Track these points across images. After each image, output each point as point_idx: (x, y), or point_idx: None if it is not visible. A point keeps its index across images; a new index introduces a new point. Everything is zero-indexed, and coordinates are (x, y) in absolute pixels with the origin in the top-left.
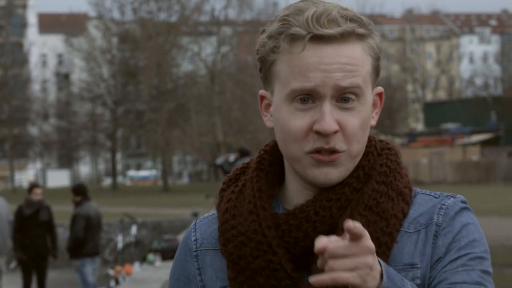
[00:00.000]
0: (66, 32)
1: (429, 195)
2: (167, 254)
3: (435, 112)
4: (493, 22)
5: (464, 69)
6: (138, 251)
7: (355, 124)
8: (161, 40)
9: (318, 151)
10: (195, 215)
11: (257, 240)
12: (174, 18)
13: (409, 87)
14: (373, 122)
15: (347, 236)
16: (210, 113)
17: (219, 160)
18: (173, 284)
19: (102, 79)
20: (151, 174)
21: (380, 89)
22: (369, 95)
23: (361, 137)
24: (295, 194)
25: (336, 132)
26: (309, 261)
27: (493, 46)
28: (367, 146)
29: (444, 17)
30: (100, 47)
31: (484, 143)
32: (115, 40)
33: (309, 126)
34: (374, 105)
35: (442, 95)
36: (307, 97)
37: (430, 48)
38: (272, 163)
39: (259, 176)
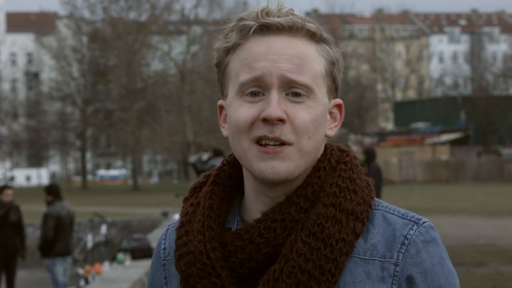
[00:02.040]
0: (36, 31)
1: (392, 213)
2: (136, 253)
3: (405, 111)
4: (463, 22)
5: (434, 68)
6: (107, 251)
7: (305, 117)
8: (131, 39)
9: (261, 139)
10: (165, 214)
11: (202, 262)
12: (144, 17)
13: (379, 86)
14: (331, 132)
15: None
16: (180, 113)
17: (192, 159)
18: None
19: (72, 78)
20: (121, 174)
21: (339, 101)
22: (323, 97)
23: (312, 133)
24: (253, 202)
25: (283, 121)
26: (255, 281)
27: (462, 46)
28: (320, 161)
29: (413, 17)
30: (70, 46)
31: (453, 143)
32: (85, 39)
33: (257, 115)
34: (334, 117)
35: (411, 94)
36: (257, 91)
37: (400, 47)
38: (231, 175)
39: (213, 191)
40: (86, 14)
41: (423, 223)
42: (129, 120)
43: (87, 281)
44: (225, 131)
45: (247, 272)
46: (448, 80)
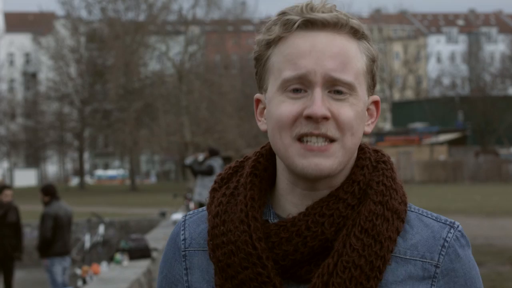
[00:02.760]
0: (34, 31)
1: (426, 216)
2: (134, 253)
3: (403, 111)
4: (461, 22)
5: (432, 68)
6: (105, 251)
7: (349, 114)
8: (129, 40)
9: (306, 136)
10: (163, 214)
11: (247, 252)
12: (142, 17)
13: (377, 86)
14: (368, 129)
15: None
16: (177, 113)
17: (188, 161)
18: (161, 280)
19: (70, 78)
20: (118, 174)
21: (376, 97)
22: (363, 94)
23: (356, 129)
24: (287, 195)
25: (327, 119)
26: (297, 273)
27: (460, 46)
28: (362, 158)
29: (411, 17)
30: (68, 46)
31: (451, 143)
32: (83, 39)
33: (300, 112)
34: (370, 114)
35: (409, 94)
36: (300, 88)
37: (398, 48)
38: (266, 168)
39: (253, 182)
40: (84, 14)
41: (457, 226)
42: (127, 120)
43: (85, 281)
44: (262, 125)
45: (290, 264)
46: (446, 80)
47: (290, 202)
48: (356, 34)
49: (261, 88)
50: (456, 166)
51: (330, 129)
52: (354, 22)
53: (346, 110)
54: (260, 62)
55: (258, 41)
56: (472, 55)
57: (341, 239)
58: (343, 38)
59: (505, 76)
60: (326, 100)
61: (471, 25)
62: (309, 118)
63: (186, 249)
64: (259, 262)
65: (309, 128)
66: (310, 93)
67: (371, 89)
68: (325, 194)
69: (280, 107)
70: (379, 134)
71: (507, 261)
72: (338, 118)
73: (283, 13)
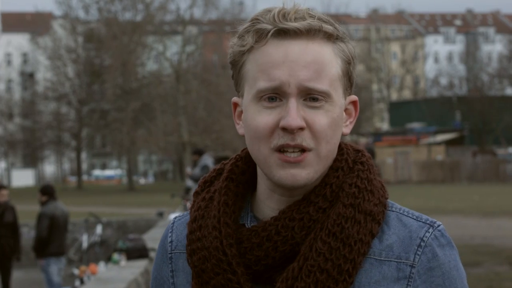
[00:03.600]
0: (31, 31)
1: (406, 215)
2: (132, 253)
3: (400, 111)
4: (458, 22)
5: (429, 68)
6: (103, 251)
7: (323, 122)
8: (126, 39)
9: (283, 148)
10: (160, 214)
11: (218, 258)
12: (139, 17)
13: (374, 86)
14: (346, 130)
15: None
16: (175, 113)
17: (189, 183)
18: (152, 281)
19: (67, 78)
20: (116, 174)
21: (354, 97)
22: (339, 98)
23: (330, 137)
24: (265, 200)
25: (302, 129)
26: (270, 277)
27: (458, 46)
28: (338, 160)
29: (409, 17)
30: (65, 46)
31: (448, 143)
32: (80, 39)
33: (276, 123)
34: (349, 114)
35: (407, 94)
36: (274, 96)
37: (395, 47)
38: (245, 171)
39: (228, 187)
40: (81, 14)
41: (438, 226)
42: (124, 120)
43: (82, 281)
44: (240, 129)
45: (262, 269)
46: (443, 80)
47: (268, 206)
48: (330, 38)
49: (238, 92)
50: (453, 166)
51: (305, 139)
52: (328, 27)
53: (321, 118)
54: (236, 68)
55: (232, 48)
56: (470, 55)
57: (308, 243)
58: (317, 45)
59: (503, 76)
60: (301, 109)
61: (468, 25)
62: (285, 129)
63: (172, 252)
64: (229, 268)
65: (286, 139)
66: (285, 102)
67: (348, 90)
68: (299, 198)
69: (256, 118)
70: (376, 134)
71: (505, 261)
72: (312, 127)
73: (255, 20)
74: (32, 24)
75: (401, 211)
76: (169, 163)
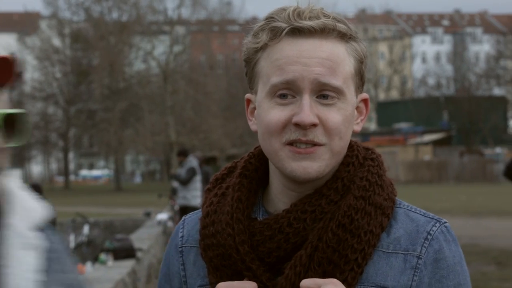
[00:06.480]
0: (19, 31)
1: (414, 212)
2: (119, 253)
3: (388, 111)
4: (446, 22)
5: (417, 69)
6: (90, 251)
7: (337, 119)
8: (113, 40)
9: (295, 142)
10: (148, 214)
11: (233, 256)
12: (126, 17)
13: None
14: (357, 127)
15: None
16: (162, 113)
17: (175, 183)
18: (161, 278)
19: (55, 78)
20: (103, 174)
21: (365, 95)
22: (351, 96)
23: (343, 133)
24: (278, 194)
25: (315, 125)
26: (282, 268)
27: (445, 46)
28: (348, 156)
29: (396, 17)
30: (52, 47)
31: (436, 143)
32: (67, 39)
33: (288, 119)
34: (360, 111)
35: (394, 94)
36: (287, 93)
37: (383, 48)
38: (258, 168)
39: (242, 183)
40: (69, 14)
41: (444, 222)
42: (112, 120)
43: None
44: (253, 125)
45: (274, 261)
46: (431, 81)
47: (281, 201)
48: (343, 37)
49: (252, 89)
50: (441, 166)
51: (317, 135)
52: (341, 27)
53: (334, 115)
54: (250, 65)
55: (246, 46)
56: (457, 55)
57: (317, 232)
58: (330, 43)
59: (490, 76)
60: (314, 106)
61: (456, 26)
62: (297, 125)
63: (183, 245)
64: (244, 266)
65: (298, 134)
66: (298, 99)
67: (359, 88)
68: (311, 192)
69: (269, 114)
70: (364, 134)
71: (492, 261)
72: (326, 123)
73: (270, 18)
74: (20, 24)
75: (408, 208)
76: (157, 163)
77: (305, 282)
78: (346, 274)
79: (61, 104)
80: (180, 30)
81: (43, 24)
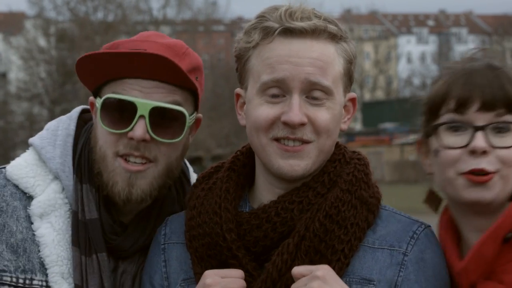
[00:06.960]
0: (4, 30)
1: (399, 214)
2: None
3: (373, 112)
4: (431, 23)
5: (402, 69)
6: None
7: (325, 118)
8: (99, 39)
9: (282, 139)
10: None
11: (219, 244)
12: (111, 17)
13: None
14: (344, 126)
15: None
16: None
17: None
18: (143, 277)
19: (40, 78)
20: None
21: (353, 94)
22: (340, 96)
23: (331, 132)
24: (263, 192)
25: (304, 124)
26: (268, 258)
27: (430, 46)
28: (335, 154)
29: (382, 17)
30: (37, 46)
31: None
32: (52, 39)
33: (277, 116)
34: (347, 110)
35: (380, 95)
36: (278, 93)
37: (368, 48)
38: (245, 165)
39: (230, 176)
40: (53, 14)
41: (429, 226)
42: None
43: None
44: (242, 120)
45: (261, 250)
46: (416, 81)
47: (266, 198)
48: (334, 38)
49: (242, 84)
50: None
51: (306, 133)
52: (332, 28)
53: (323, 114)
54: (241, 62)
55: (238, 42)
56: (443, 56)
57: (304, 222)
58: (321, 44)
59: None
60: (303, 106)
61: (441, 26)
62: (286, 123)
63: (166, 243)
64: (230, 254)
65: (286, 132)
66: (288, 98)
67: (347, 88)
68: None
69: (258, 110)
70: (349, 134)
71: None
72: (315, 122)
73: (262, 17)
74: (5, 23)
75: (394, 211)
76: None
77: (297, 268)
78: (333, 265)
79: (46, 104)
80: (165, 30)
81: (28, 24)
